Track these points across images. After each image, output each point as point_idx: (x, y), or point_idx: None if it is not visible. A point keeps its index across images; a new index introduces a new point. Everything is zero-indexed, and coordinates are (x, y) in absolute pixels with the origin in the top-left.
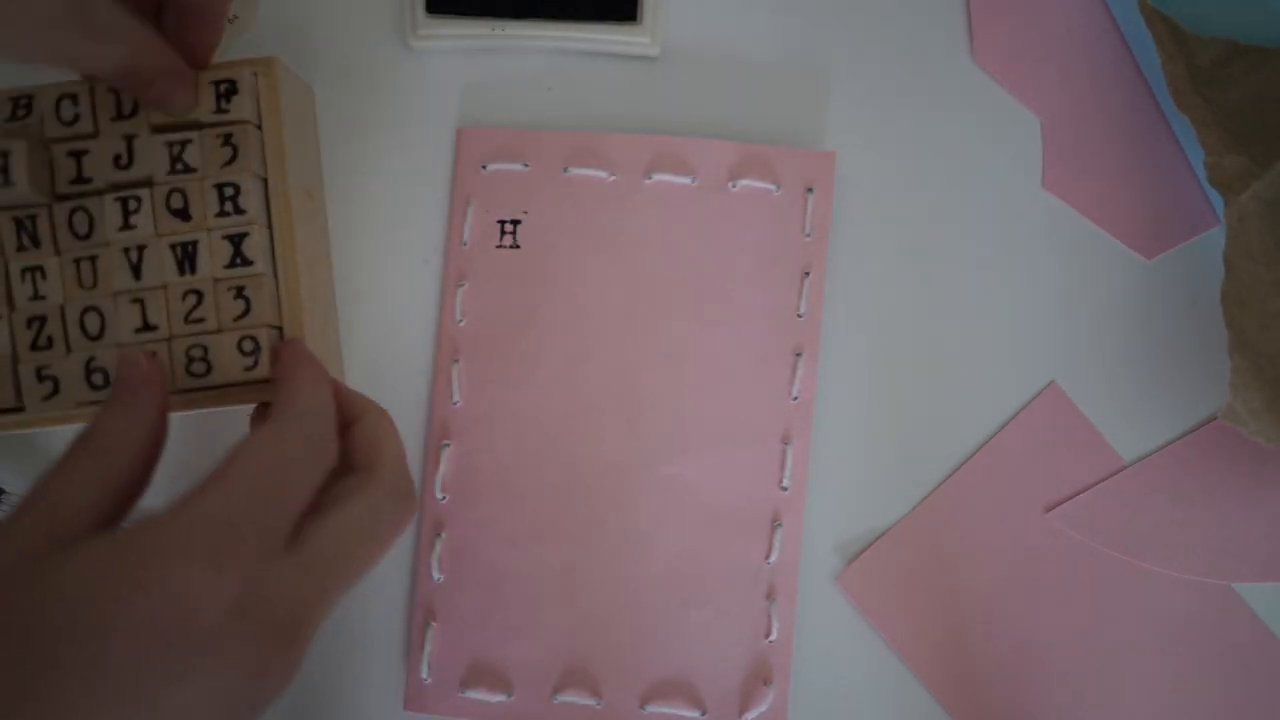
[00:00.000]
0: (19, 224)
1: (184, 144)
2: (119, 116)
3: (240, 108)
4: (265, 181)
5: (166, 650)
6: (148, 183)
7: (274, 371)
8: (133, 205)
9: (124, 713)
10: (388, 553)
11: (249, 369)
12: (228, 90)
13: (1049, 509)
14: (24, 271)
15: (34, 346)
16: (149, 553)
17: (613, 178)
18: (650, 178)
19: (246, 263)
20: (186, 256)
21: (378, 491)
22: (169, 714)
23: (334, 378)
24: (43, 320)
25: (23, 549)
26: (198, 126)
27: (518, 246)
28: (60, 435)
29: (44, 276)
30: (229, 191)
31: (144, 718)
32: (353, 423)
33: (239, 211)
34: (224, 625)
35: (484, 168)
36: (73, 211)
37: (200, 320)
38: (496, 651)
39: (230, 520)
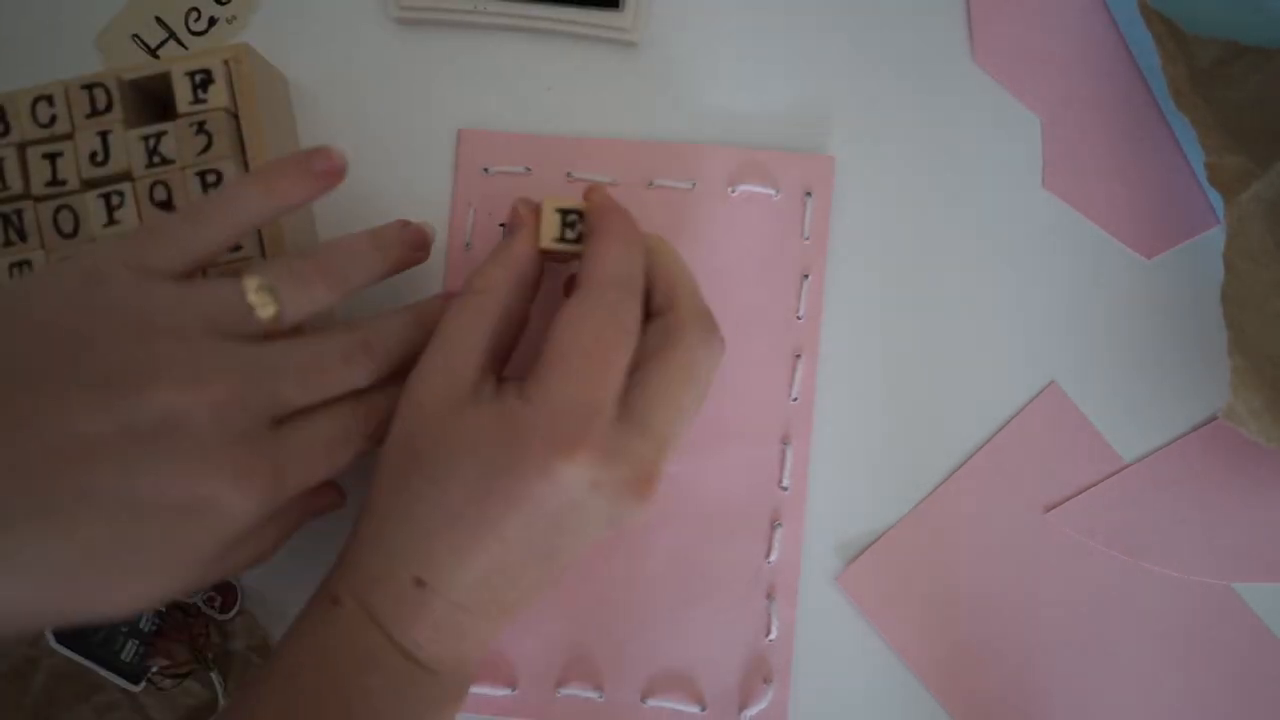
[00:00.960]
0: (5, 218)
1: (159, 136)
2: (93, 113)
3: (216, 96)
4: (246, 167)
5: (548, 525)
6: (126, 177)
7: (584, 229)
8: (115, 200)
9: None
10: (709, 390)
11: None
12: (203, 80)
13: (1049, 509)
14: (11, 267)
15: None
16: (528, 437)
17: (615, 183)
18: (652, 184)
19: (235, 248)
20: None
21: (686, 336)
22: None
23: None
24: None
25: (431, 399)
26: (172, 117)
27: None
28: None
29: (31, 270)
30: (210, 179)
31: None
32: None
33: None
34: (586, 498)
35: (486, 171)
36: (56, 211)
37: None
38: (501, 646)
39: (573, 408)
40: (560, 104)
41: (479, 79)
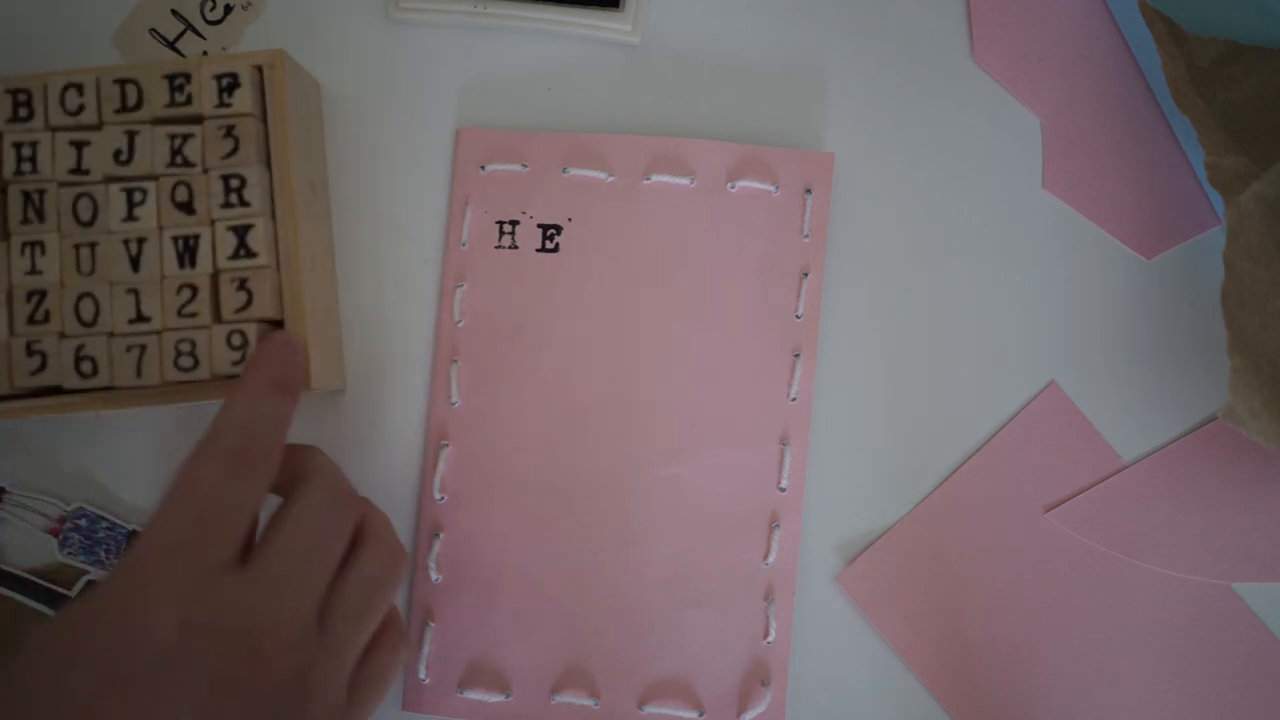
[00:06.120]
0: (26, 196)
1: (186, 138)
2: (123, 109)
3: (242, 101)
4: (270, 173)
5: (128, 676)
6: (149, 175)
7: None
8: (138, 197)
9: None
10: (336, 558)
11: (236, 364)
12: (230, 84)
13: (1049, 509)
14: (24, 246)
15: (31, 320)
16: (111, 591)
17: (611, 179)
18: (649, 179)
19: (251, 254)
20: (187, 250)
21: (313, 495)
22: None
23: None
24: (41, 295)
25: None
26: (199, 120)
27: (516, 247)
28: (60, 429)
29: (43, 252)
30: (234, 184)
31: None
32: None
33: (244, 204)
34: (176, 641)
35: (483, 169)
36: (77, 197)
37: (194, 315)
38: (495, 652)
39: (171, 545)
40: (560, 104)
41: (479, 79)
